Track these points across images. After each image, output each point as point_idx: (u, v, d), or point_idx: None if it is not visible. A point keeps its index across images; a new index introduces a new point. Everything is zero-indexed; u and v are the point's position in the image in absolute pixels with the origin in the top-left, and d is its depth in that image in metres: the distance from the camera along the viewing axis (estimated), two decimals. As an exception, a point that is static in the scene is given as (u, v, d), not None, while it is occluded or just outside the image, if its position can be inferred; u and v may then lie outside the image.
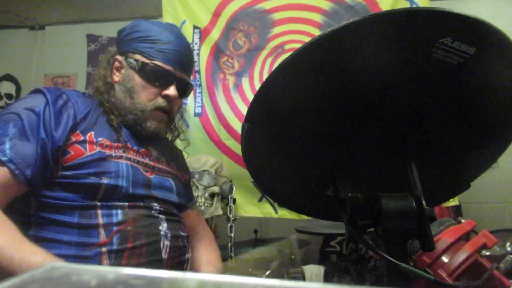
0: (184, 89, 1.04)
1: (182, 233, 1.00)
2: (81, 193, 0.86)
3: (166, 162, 1.07)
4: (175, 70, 0.99)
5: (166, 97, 1.00)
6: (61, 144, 0.86)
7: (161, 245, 0.91)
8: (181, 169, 1.15)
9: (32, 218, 0.85)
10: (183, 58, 1.02)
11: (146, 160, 0.99)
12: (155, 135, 1.02)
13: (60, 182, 0.86)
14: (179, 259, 0.97)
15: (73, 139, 0.88)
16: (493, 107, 0.60)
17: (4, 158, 0.80)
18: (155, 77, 0.98)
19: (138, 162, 0.96)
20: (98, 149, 0.90)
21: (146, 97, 0.98)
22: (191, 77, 1.08)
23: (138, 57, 0.98)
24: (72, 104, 0.92)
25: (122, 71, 1.01)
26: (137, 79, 0.98)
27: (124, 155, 0.94)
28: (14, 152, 0.81)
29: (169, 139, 1.18)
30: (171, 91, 0.99)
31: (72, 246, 0.83)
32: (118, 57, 1.02)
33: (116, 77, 1.02)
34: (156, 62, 0.97)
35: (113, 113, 0.98)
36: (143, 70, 0.97)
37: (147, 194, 0.94)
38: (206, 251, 1.14)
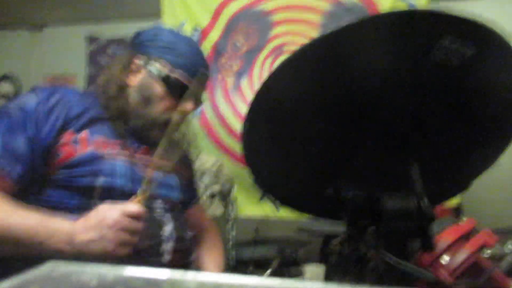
0: (199, 103, 1.03)
1: (188, 234, 0.99)
2: (77, 194, 0.85)
3: (169, 159, 1.06)
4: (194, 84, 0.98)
5: (182, 111, 0.96)
6: (49, 142, 0.85)
7: (164, 247, 0.90)
8: (185, 166, 1.13)
9: None
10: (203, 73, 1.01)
11: (147, 157, 0.98)
12: (155, 144, 0.99)
13: (55, 183, 0.85)
14: (183, 262, 0.95)
15: (65, 138, 0.87)
16: (493, 107, 0.60)
17: None
18: (175, 90, 0.96)
19: (137, 159, 0.95)
20: (91, 147, 0.88)
21: (162, 108, 0.97)
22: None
23: (159, 66, 0.96)
24: (65, 102, 0.90)
25: (139, 76, 0.98)
26: (157, 88, 0.96)
27: (120, 153, 0.92)
28: (4, 149, 0.81)
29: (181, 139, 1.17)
30: (189, 106, 0.97)
31: None
32: (136, 60, 0.99)
33: (131, 81, 0.99)
34: (179, 76, 0.96)
35: (119, 119, 0.96)
36: (164, 81, 0.96)
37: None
38: (208, 247, 1.13)
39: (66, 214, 0.84)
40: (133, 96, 0.98)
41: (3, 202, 0.79)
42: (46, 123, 0.86)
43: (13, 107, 0.86)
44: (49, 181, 0.86)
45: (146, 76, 0.97)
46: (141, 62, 0.98)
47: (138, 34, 1.03)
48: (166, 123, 0.96)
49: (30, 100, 0.87)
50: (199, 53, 1.02)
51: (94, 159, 0.88)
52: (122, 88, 0.98)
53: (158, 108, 0.97)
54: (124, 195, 0.88)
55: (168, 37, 0.99)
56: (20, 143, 0.83)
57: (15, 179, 0.82)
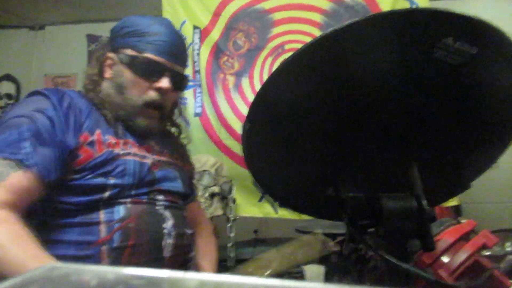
0: (179, 82, 1.00)
1: (188, 231, 0.99)
2: (88, 194, 0.85)
3: (168, 153, 1.05)
4: (167, 61, 0.96)
5: (159, 90, 0.96)
6: (73, 146, 0.85)
7: (164, 243, 0.90)
8: (184, 160, 1.13)
9: (36, 221, 0.83)
10: (175, 49, 0.98)
11: (150, 154, 0.98)
12: (148, 132, 1.00)
13: (70, 186, 0.85)
14: (183, 258, 0.95)
15: (82, 140, 0.87)
16: (494, 107, 0.60)
17: (28, 162, 0.78)
18: (145, 70, 0.95)
19: (143, 157, 0.95)
20: (106, 148, 0.89)
21: (137, 91, 0.95)
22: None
23: (128, 51, 0.96)
24: (76, 104, 0.91)
25: (114, 67, 0.99)
26: (128, 74, 0.95)
27: (131, 151, 0.93)
28: (37, 155, 0.80)
29: (175, 134, 1.17)
30: (164, 83, 0.95)
31: (71, 245, 0.82)
32: (110, 54, 0.99)
33: (108, 74, 0.99)
34: (146, 55, 0.94)
35: (105, 108, 0.96)
36: (133, 64, 0.95)
37: (151, 189, 0.93)
38: (202, 244, 1.13)
39: (72, 214, 0.84)
40: (109, 87, 0.98)
41: (27, 240, 0.74)
42: (68, 127, 0.86)
43: (33, 111, 0.85)
44: (66, 183, 0.85)
45: (118, 65, 0.97)
46: (113, 55, 0.99)
47: (111, 31, 1.03)
48: (146, 105, 0.96)
49: (45, 104, 0.87)
50: (169, 30, 0.99)
51: (109, 160, 0.88)
52: (96, 83, 0.99)
53: (133, 92, 0.96)
54: (130, 193, 0.89)
55: (133, 21, 0.98)
56: (49, 149, 0.82)
57: (48, 186, 0.81)
